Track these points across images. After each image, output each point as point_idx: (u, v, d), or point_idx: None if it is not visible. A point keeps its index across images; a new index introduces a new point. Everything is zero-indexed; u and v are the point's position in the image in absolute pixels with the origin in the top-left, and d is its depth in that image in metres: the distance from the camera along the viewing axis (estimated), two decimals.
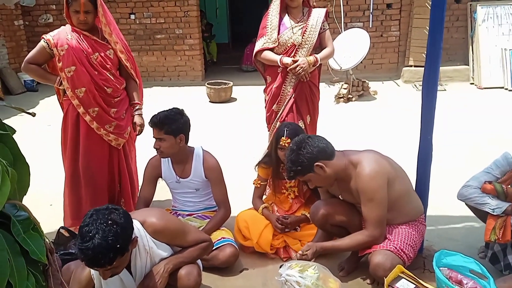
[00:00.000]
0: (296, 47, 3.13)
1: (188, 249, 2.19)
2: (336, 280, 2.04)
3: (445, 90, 6.93)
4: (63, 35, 2.73)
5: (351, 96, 6.75)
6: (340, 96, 6.76)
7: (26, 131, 5.98)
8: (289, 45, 3.13)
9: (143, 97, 3.19)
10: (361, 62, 6.71)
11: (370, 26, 7.85)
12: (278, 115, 3.23)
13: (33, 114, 1.19)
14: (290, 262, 2.06)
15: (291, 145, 2.38)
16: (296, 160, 2.26)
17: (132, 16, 8.30)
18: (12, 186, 0.97)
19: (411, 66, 7.70)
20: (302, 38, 3.11)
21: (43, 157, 4.52)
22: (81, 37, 2.74)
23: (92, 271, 2.06)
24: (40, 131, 5.48)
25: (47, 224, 3.21)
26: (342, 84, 6.94)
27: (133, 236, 1.92)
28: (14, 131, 1.08)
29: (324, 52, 3.18)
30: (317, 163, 2.24)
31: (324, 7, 3.27)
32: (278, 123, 3.21)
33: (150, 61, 8.51)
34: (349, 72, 6.71)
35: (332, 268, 2.22)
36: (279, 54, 3.15)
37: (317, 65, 3.17)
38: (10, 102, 7.55)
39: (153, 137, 2.69)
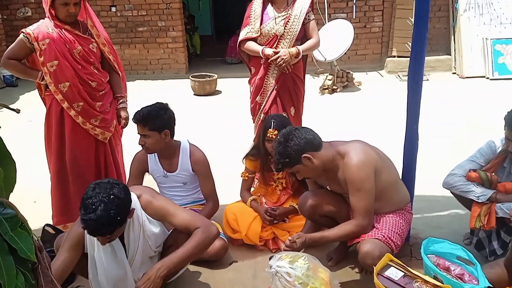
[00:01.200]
0: (278, 37, 3.09)
1: (185, 246, 2.09)
2: (326, 270, 2.06)
3: (427, 80, 7.00)
4: (43, 29, 2.64)
5: (335, 87, 6.78)
6: (325, 87, 6.78)
7: (7, 127, 5.85)
8: (271, 35, 3.10)
9: (127, 90, 3.14)
10: (345, 53, 6.73)
11: (354, 17, 7.87)
12: (262, 106, 3.22)
13: (18, 111, 1.15)
14: (280, 254, 2.06)
15: (278, 137, 2.37)
16: (283, 152, 2.26)
17: (113, 9, 8.13)
18: None
19: (394, 56, 7.75)
20: (285, 29, 3.07)
21: (25, 153, 4.43)
22: (63, 31, 2.67)
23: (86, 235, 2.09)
24: (21, 127, 5.37)
25: (32, 222, 3.13)
26: (327, 76, 6.96)
27: (131, 208, 2.02)
28: None
29: (308, 44, 3.14)
30: (304, 155, 2.24)
31: None
32: (262, 114, 3.20)
33: (133, 54, 8.39)
34: (334, 63, 6.73)
35: (321, 258, 2.23)
36: (262, 45, 3.12)
37: (300, 57, 3.13)
38: None
39: (138, 133, 2.66)
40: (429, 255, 2.06)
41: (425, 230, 2.89)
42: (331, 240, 2.41)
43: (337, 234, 2.31)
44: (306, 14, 3.10)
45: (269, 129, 2.71)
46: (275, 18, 3.08)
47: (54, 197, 2.96)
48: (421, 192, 2.99)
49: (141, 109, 2.66)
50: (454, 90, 6.55)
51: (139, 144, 2.68)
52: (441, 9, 7.79)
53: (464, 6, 7.33)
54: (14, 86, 7.81)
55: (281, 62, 3.02)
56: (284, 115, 3.05)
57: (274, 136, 2.67)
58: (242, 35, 3.16)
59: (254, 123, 3.35)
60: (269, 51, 3.04)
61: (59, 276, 2.03)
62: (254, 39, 3.13)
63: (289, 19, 3.07)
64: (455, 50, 7.52)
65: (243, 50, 3.22)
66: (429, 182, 3.15)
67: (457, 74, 7.35)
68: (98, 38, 2.78)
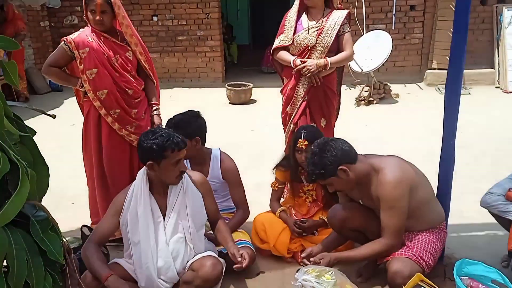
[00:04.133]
0: (310, 48, 3.03)
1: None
2: (353, 287, 2.01)
3: (469, 93, 6.78)
4: (83, 38, 2.73)
5: (372, 99, 6.67)
6: (361, 98, 6.69)
7: (50, 130, 6.11)
8: (303, 46, 3.04)
9: (160, 97, 3.21)
10: (383, 64, 6.62)
11: (393, 28, 7.75)
12: (292, 117, 3.19)
13: (53, 116, 1.20)
14: (307, 267, 2.04)
15: (313, 147, 2.32)
16: (319, 163, 2.20)
17: (155, 18, 8.39)
18: (31, 187, 0.99)
19: (434, 69, 7.57)
20: (317, 40, 3.00)
21: (67, 156, 4.60)
22: (101, 39, 2.76)
23: (127, 201, 2.28)
24: (64, 131, 5.59)
25: (69, 222, 3.28)
26: (363, 87, 6.87)
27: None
28: (34, 132, 1.10)
29: (339, 56, 3.03)
30: (341, 167, 2.19)
31: (346, 9, 3.15)
32: (292, 125, 3.16)
33: (172, 62, 8.59)
34: (371, 74, 6.64)
35: (349, 273, 2.19)
36: (294, 55, 3.08)
37: (328, 68, 3.01)
38: (36, 101, 7.74)
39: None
40: (462, 277, 1.98)
41: (461, 250, 2.78)
42: (357, 260, 2.35)
43: (364, 254, 2.25)
44: (341, 26, 3.03)
45: (299, 140, 2.69)
46: (308, 29, 3.04)
47: (93, 198, 3.03)
48: (457, 210, 2.88)
49: (173, 116, 2.71)
50: (497, 105, 6.30)
51: None
52: (484, 21, 7.55)
53: (508, 18, 7.07)
54: (60, 90, 8.16)
55: (306, 72, 2.96)
56: (314, 126, 3.01)
57: (304, 147, 2.65)
58: (276, 43, 3.14)
59: (284, 133, 3.34)
60: (298, 61, 3.00)
61: (102, 239, 2.29)
62: (286, 48, 3.11)
63: (322, 30, 3.01)
64: (498, 64, 7.25)
65: (275, 59, 3.22)
66: (466, 200, 3.03)
67: (501, 88, 7.08)
68: (136, 47, 2.86)
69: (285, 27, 3.13)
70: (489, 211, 2.53)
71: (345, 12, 3.07)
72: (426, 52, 7.91)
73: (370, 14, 7.72)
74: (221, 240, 2.46)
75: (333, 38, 3.00)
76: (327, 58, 2.99)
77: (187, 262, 2.31)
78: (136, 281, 2.28)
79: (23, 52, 7.66)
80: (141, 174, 2.33)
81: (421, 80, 7.74)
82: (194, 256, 2.34)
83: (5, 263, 0.96)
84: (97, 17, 2.70)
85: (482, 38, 7.60)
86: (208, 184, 2.55)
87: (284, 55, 3.10)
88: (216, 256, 2.39)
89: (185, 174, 2.37)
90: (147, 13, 8.37)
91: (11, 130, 0.90)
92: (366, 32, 7.09)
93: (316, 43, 3.01)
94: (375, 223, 2.42)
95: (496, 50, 7.33)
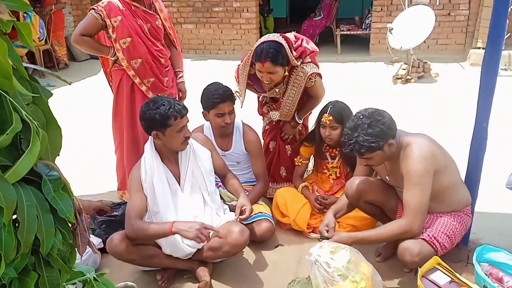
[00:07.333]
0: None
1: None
2: (368, 265, 1.99)
3: None
4: (114, 6, 2.69)
5: (410, 78, 6.44)
6: (398, 77, 6.47)
7: (88, 96, 6.29)
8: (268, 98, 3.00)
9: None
10: (424, 41, 6.35)
11: (437, 4, 7.38)
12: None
13: (69, 83, 1.23)
14: (322, 243, 2.03)
15: (361, 117, 2.10)
16: (373, 134, 2.03)
17: None
18: (43, 147, 1.01)
19: (479, 48, 7.18)
20: (280, 113, 2.90)
21: (101, 122, 4.74)
22: (132, 7, 2.73)
23: (142, 174, 2.30)
24: (104, 99, 5.73)
25: (100, 186, 3.41)
26: (402, 64, 6.63)
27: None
28: (50, 94, 1.12)
29: (308, 108, 2.93)
30: (390, 140, 2.08)
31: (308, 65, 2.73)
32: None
33: (207, 33, 8.57)
34: (410, 51, 6.38)
35: (365, 252, 2.15)
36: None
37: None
38: (75, 68, 7.97)
39: (224, 113, 2.66)
40: (482, 263, 1.91)
41: (490, 236, 2.68)
42: (374, 241, 2.24)
43: (382, 235, 2.15)
44: (302, 89, 2.74)
45: (325, 114, 2.64)
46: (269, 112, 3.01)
47: (121, 166, 3.09)
48: (491, 195, 2.77)
49: (222, 87, 2.68)
50: None
51: (225, 123, 2.69)
52: None
53: None
54: (97, 58, 8.30)
55: (285, 138, 3.02)
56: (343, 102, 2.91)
57: (328, 122, 2.61)
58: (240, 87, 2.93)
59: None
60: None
61: (140, 215, 2.23)
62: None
63: (281, 103, 2.86)
64: None
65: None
66: (501, 186, 2.91)
67: None
68: (161, 13, 2.84)
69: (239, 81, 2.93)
70: None
71: (308, 73, 2.71)
72: (472, 30, 7.50)
73: None
74: (232, 192, 2.52)
75: (298, 99, 2.81)
76: (297, 120, 2.93)
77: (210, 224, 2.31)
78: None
79: (63, 20, 7.84)
80: (149, 146, 2.35)
81: (464, 60, 7.38)
82: (214, 216, 2.39)
83: (15, 218, 1.00)
84: None
85: None
86: (210, 141, 2.60)
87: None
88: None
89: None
90: None
91: (21, 90, 0.93)
92: (408, 7, 6.80)
93: (280, 115, 2.91)
94: (393, 200, 2.36)
95: None
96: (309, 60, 2.73)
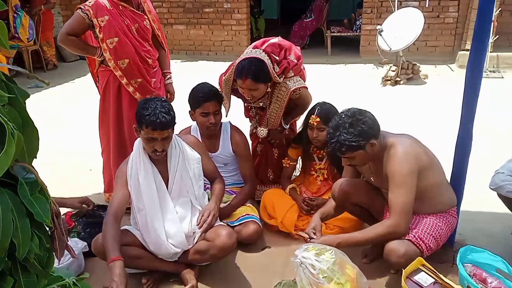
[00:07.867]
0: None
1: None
2: (354, 267, 1.99)
3: (502, 77, 6.49)
4: (101, 5, 2.66)
5: (399, 79, 6.47)
6: (387, 78, 6.50)
7: (76, 97, 6.24)
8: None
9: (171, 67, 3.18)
10: (414, 43, 6.39)
11: (427, 6, 7.43)
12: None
13: (47, 83, 1.21)
14: (307, 245, 2.03)
15: (343, 116, 2.11)
16: (354, 133, 2.04)
17: None
18: (18, 149, 0.99)
19: (468, 50, 7.22)
20: (267, 129, 2.88)
21: (89, 124, 4.70)
22: (120, 7, 2.70)
23: (129, 169, 2.30)
24: (93, 100, 5.69)
25: (87, 188, 3.37)
26: (391, 66, 6.67)
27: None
28: (27, 95, 1.10)
29: (291, 117, 2.92)
30: (372, 140, 2.10)
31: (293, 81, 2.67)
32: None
33: (198, 34, 8.55)
34: (399, 53, 6.42)
35: (352, 254, 2.15)
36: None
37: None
38: (64, 69, 7.90)
39: (208, 112, 2.65)
40: (466, 264, 1.92)
41: (475, 237, 2.70)
42: (361, 242, 2.23)
43: (368, 236, 2.15)
44: (286, 102, 2.70)
45: (312, 116, 2.65)
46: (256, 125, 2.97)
47: (107, 169, 3.05)
48: (474, 197, 2.79)
49: (209, 87, 2.69)
50: None
51: (210, 124, 2.67)
52: None
53: None
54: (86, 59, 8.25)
55: (272, 142, 3.00)
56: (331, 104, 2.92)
57: (315, 123, 2.61)
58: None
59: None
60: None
61: (118, 211, 2.21)
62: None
63: (265, 117, 2.82)
64: None
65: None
66: (485, 188, 2.92)
67: None
68: (149, 14, 2.83)
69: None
70: (498, 195, 2.43)
71: (290, 89, 2.67)
72: (460, 33, 7.58)
73: None
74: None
75: (282, 111, 2.78)
76: (284, 126, 2.91)
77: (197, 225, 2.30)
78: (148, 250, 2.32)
79: (52, 20, 7.78)
80: (138, 142, 2.36)
81: (453, 62, 7.45)
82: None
83: None
84: None
85: None
86: (202, 144, 2.57)
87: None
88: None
89: (180, 138, 2.41)
90: None
91: None
92: (397, 9, 6.84)
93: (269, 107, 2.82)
94: (379, 201, 2.37)
95: None
96: (292, 74, 2.68)
